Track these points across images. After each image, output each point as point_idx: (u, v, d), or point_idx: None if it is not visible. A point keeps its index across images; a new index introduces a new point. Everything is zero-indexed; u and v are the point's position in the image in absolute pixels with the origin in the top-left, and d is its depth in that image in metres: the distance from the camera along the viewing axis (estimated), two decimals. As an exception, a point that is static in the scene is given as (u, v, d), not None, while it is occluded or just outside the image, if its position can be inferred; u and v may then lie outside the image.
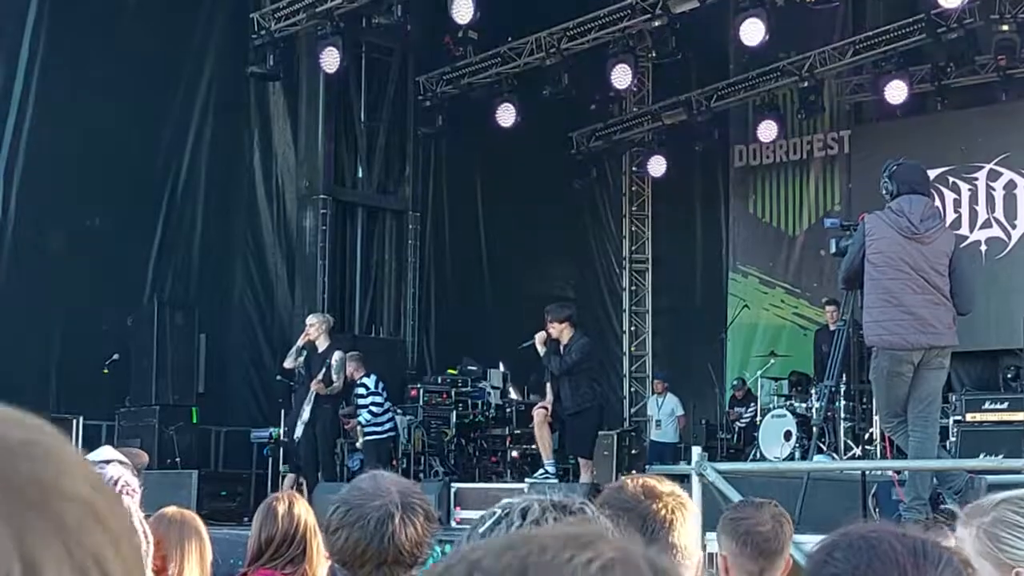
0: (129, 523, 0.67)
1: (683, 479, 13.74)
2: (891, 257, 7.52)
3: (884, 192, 7.73)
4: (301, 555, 4.24)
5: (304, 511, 4.33)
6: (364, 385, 14.58)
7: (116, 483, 1.62)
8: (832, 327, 8.48)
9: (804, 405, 15.43)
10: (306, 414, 13.62)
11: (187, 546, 4.28)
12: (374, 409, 14.48)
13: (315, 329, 13.63)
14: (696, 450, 7.63)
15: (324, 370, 13.42)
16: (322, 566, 4.23)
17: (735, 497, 7.23)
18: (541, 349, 11.85)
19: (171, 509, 4.49)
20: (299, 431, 13.71)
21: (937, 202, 8.92)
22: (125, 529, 0.67)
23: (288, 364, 13.78)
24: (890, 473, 8.46)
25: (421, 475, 15.30)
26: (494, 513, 1.70)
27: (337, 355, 13.62)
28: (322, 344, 13.66)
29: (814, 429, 10.29)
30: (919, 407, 7.66)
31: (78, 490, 0.65)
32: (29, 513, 0.62)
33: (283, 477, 14.35)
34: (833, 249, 8.45)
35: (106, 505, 0.66)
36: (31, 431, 0.67)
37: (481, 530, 1.67)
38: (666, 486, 2.85)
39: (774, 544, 3.84)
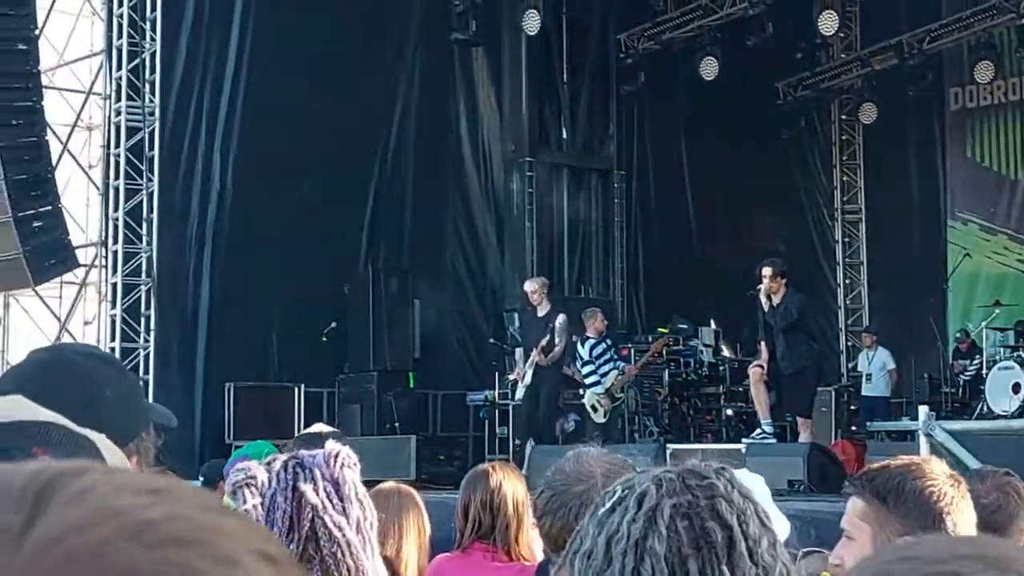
0: None
1: (908, 437, 13.36)
2: None
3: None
4: (506, 529, 4.10)
5: (506, 482, 4.16)
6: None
7: (337, 457, 1.64)
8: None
9: (1033, 357, 14.85)
10: (528, 378, 13.57)
11: (405, 522, 4.23)
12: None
13: (537, 295, 13.53)
14: (923, 409, 7.40)
15: (548, 336, 13.29)
16: (536, 542, 4.07)
17: (965, 458, 6.98)
18: (765, 303, 11.60)
19: (388, 484, 4.43)
20: (519, 394, 13.69)
21: None
22: None
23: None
24: None
25: (636, 435, 15.25)
26: (615, 492, 1.60)
27: (560, 318, 13.48)
28: (543, 308, 13.58)
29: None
30: None
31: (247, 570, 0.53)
32: None
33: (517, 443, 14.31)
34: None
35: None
36: (202, 551, 0.52)
37: (600, 513, 1.59)
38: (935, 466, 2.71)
39: (999, 516, 3.66)
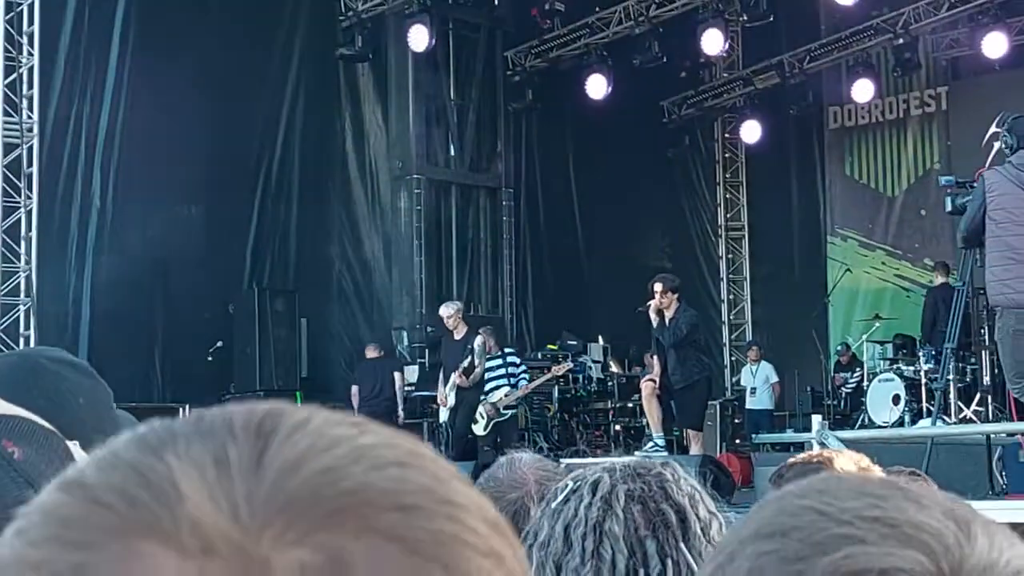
0: (520, 556, 0.60)
1: (791, 448, 13.53)
2: (1013, 212, 7.30)
3: (1003, 146, 7.50)
4: None
5: None
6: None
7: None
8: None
9: (912, 368, 15.15)
10: (451, 400, 13.72)
11: None
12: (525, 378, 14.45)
13: (454, 319, 13.69)
14: (816, 419, 7.51)
15: (468, 358, 13.44)
16: None
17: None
18: (654, 319, 11.71)
19: None
20: (444, 416, 13.84)
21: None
22: (520, 564, 0.59)
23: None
24: (1018, 436, 8.24)
25: (526, 451, 15.25)
26: (567, 486, 1.65)
27: (478, 341, 13.65)
28: (460, 332, 13.72)
29: (936, 393, 10.07)
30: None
31: (482, 539, 0.56)
32: (436, 569, 0.53)
33: None
34: (949, 207, 8.24)
35: (503, 544, 0.58)
36: (419, 471, 0.57)
37: (553, 505, 1.63)
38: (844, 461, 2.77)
39: None
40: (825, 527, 0.70)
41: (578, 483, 1.61)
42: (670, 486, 1.58)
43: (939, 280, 16.15)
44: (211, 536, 0.52)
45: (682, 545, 1.53)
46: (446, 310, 14.02)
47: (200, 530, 0.52)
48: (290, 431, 0.56)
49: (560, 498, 1.60)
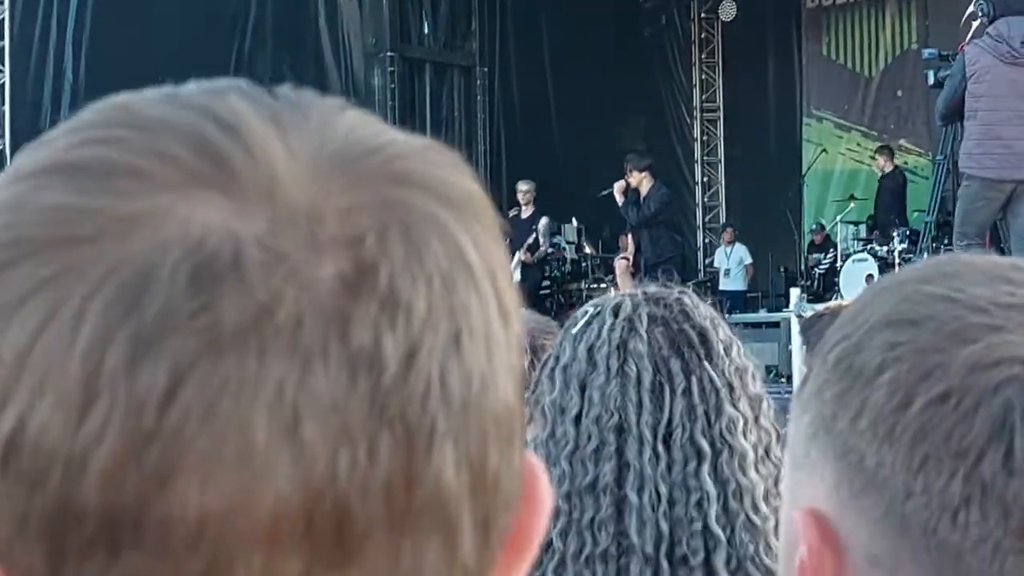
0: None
1: (763, 326, 13.59)
2: (992, 86, 7.27)
3: (980, 14, 7.43)
4: None
5: None
6: None
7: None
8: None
9: (885, 248, 15.23)
10: (516, 276, 13.96)
11: None
12: None
13: (528, 195, 14.01)
14: (794, 292, 7.56)
15: (532, 236, 13.69)
16: None
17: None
18: (619, 199, 11.77)
19: None
20: None
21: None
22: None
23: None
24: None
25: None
26: (587, 311, 1.68)
27: (543, 221, 13.97)
28: (528, 211, 14.23)
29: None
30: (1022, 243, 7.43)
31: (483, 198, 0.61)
32: (475, 225, 0.58)
33: None
34: (931, 81, 8.21)
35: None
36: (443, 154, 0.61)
37: (574, 331, 1.65)
38: None
39: None
40: (960, 315, 0.66)
41: (599, 308, 1.63)
42: (690, 309, 1.62)
43: (887, 167, 16.14)
44: (283, 184, 0.52)
45: (706, 363, 1.57)
46: (524, 184, 14.73)
47: (267, 182, 0.52)
48: (329, 110, 0.58)
49: (581, 323, 1.63)
